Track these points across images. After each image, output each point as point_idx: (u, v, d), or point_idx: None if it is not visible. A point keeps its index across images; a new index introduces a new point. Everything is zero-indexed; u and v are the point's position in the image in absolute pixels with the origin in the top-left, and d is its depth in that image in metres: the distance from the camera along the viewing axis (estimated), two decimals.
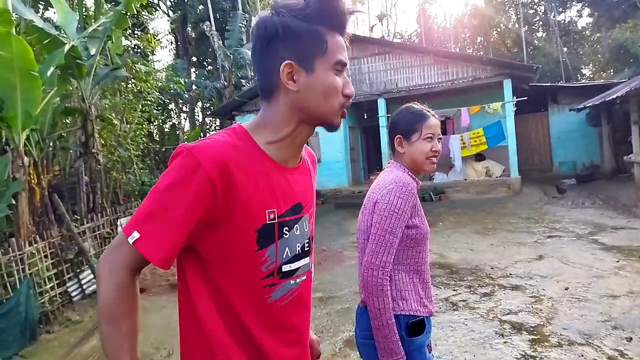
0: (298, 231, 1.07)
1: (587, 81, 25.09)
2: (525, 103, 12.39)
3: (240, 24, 19.05)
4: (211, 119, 21.08)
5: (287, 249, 1.03)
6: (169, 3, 24.93)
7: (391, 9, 44.81)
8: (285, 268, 1.04)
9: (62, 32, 7.74)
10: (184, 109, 22.40)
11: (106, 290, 0.91)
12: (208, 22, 19.06)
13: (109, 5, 11.01)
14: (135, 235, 0.88)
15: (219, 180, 0.89)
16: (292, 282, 1.06)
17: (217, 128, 21.34)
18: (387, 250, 1.58)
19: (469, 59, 13.61)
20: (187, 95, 19.79)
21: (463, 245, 7.40)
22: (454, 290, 5.21)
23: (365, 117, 14.46)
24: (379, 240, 1.59)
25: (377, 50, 13.74)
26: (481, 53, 31.44)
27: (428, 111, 1.78)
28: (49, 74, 6.08)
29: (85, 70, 7.71)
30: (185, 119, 22.88)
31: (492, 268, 5.96)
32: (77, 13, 9.76)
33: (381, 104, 13.58)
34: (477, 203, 11.35)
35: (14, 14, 7.47)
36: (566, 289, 4.88)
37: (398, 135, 1.77)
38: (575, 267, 5.69)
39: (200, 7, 22.41)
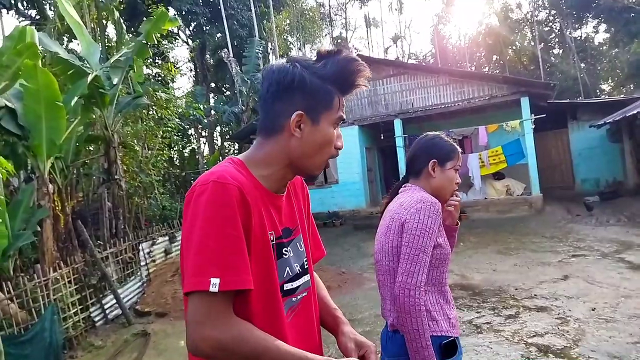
0: (293, 252, 1.14)
1: (606, 97, 24.77)
2: (544, 120, 12.26)
3: (256, 50, 19.47)
4: (229, 142, 21.37)
5: (287, 268, 1.10)
6: (188, 32, 25.66)
7: (405, 31, 45.24)
8: (287, 286, 1.10)
9: (86, 62, 8.03)
10: (203, 133, 22.80)
11: (241, 351, 0.91)
12: (226, 49, 19.52)
13: (130, 36, 11.38)
14: (215, 282, 0.88)
15: (243, 198, 0.96)
16: (293, 299, 1.13)
17: (235, 152, 21.60)
18: (422, 269, 1.57)
19: (485, 78, 13.61)
20: (206, 121, 20.17)
21: (485, 266, 7.27)
22: (477, 312, 5.11)
23: (382, 137, 14.47)
24: (413, 259, 1.58)
25: (392, 72, 13.84)
26: (497, 71, 31.40)
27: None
28: (72, 103, 6.29)
29: (108, 99, 7.95)
30: (204, 144, 23.26)
31: (517, 289, 5.83)
32: (100, 44, 10.14)
33: (397, 124, 13.61)
34: (499, 222, 11.17)
35: (40, 46, 7.80)
36: (593, 310, 4.74)
37: (433, 160, 1.79)
38: (602, 286, 5.53)
39: (219, 35, 23.00)
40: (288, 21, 25.16)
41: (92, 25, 11.96)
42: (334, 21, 39.15)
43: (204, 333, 0.89)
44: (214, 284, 0.88)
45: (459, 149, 1.84)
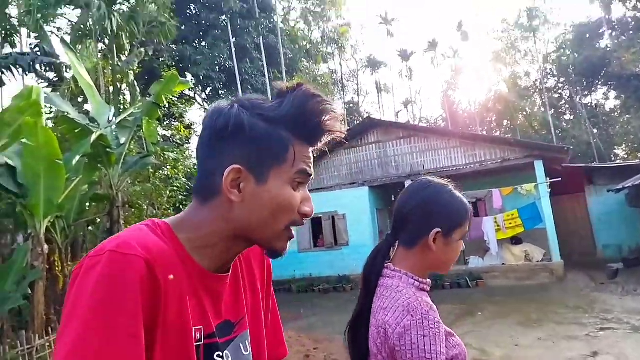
0: (232, 357, 0.82)
1: (621, 161, 24.49)
2: (560, 184, 11.94)
3: None
4: None
5: None
6: (204, 96, 26.48)
7: (415, 96, 46.32)
8: None
9: (94, 123, 8.07)
10: None
11: None
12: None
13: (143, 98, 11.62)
14: None
15: (152, 277, 0.68)
16: None
17: None
18: None
19: (497, 141, 13.50)
20: None
21: (506, 340, 6.68)
22: None
23: (393, 199, 14.22)
24: None
25: (402, 134, 13.82)
26: (509, 135, 31.54)
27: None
28: (74, 162, 6.18)
29: (114, 158, 7.89)
30: None
31: None
32: (112, 106, 10.30)
33: None
34: (518, 290, 10.54)
35: (50, 106, 7.88)
36: None
37: (437, 230, 1.23)
38: None
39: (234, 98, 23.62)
40: None
41: (107, 88, 12.29)
42: (346, 87, 40.31)
43: None
44: None
45: (471, 208, 1.31)
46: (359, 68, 42.44)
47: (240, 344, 0.84)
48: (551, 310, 8.29)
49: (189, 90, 24.67)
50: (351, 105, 39.58)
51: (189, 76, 24.13)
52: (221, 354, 0.78)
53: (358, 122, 24.92)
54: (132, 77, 12.07)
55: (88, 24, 12.15)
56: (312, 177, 0.82)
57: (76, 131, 7.31)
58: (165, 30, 14.51)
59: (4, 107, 7.42)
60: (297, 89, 0.79)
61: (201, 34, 25.27)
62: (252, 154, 0.77)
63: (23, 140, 5.21)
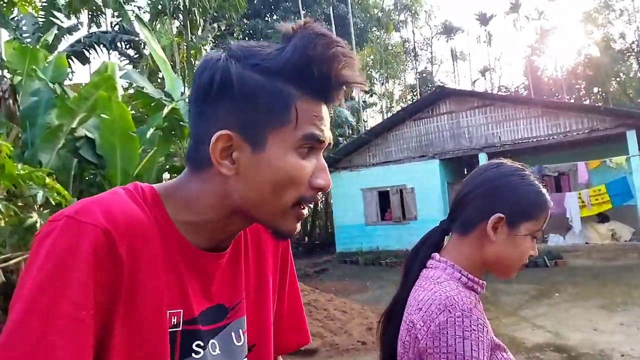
0: (218, 348, 0.70)
1: None
2: None
3: None
4: None
5: None
6: None
7: (495, 63, 43.68)
8: None
9: (170, 97, 8.41)
10: None
11: None
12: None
13: None
14: None
15: (111, 249, 0.58)
16: None
17: None
18: None
19: (584, 109, 12.37)
20: None
21: (585, 323, 6.22)
22: None
23: (466, 172, 13.63)
24: None
25: (476, 104, 13.09)
26: (600, 104, 28.95)
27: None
28: (148, 134, 6.48)
29: (187, 131, 8.20)
30: None
31: (623, 355, 4.86)
32: (187, 79, 10.67)
33: (482, 159, 12.71)
34: (602, 271, 9.76)
35: (127, 81, 8.30)
36: None
37: (499, 215, 1.00)
38: None
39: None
40: (372, 56, 25.31)
41: (182, 63, 12.75)
42: (419, 56, 38.88)
43: None
44: None
45: (550, 202, 1.05)
46: (433, 35, 40.65)
47: (233, 333, 0.73)
48: (639, 294, 7.60)
49: None
50: (424, 74, 38.17)
51: None
52: (202, 344, 0.67)
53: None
54: (204, 53, 12.40)
55: (162, 1, 12.58)
56: (326, 142, 0.66)
57: (152, 105, 7.66)
58: (235, 4, 14.69)
59: None
60: (302, 29, 0.63)
61: (272, 7, 25.41)
62: (244, 116, 0.63)
63: (101, 115, 5.54)
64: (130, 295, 0.59)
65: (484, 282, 1.04)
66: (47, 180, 3.35)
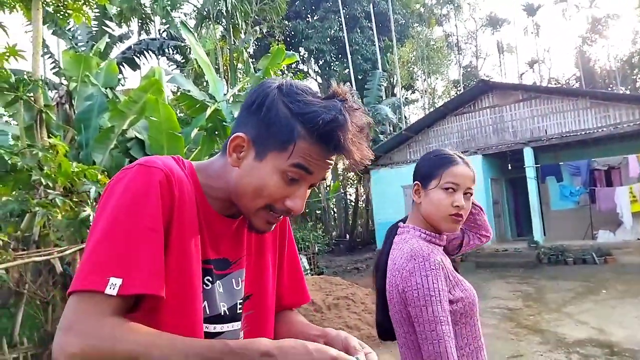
0: (222, 288, 0.90)
1: None
2: None
3: (379, 83, 19.63)
4: (350, 174, 21.61)
5: (205, 302, 0.86)
6: (316, 68, 27.03)
7: (543, 54, 42.02)
8: (204, 328, 0.85)
9: (213, 99, 8.77)
10: None
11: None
12: (349, 83, 20.03)
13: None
14: (115, 282, 0.69)
15: (170, 188, 0.80)
16: None
17: (353, 179, 21.76)
18: (449, 344, 1.23)
19: (635, 100, 11.78)
20: None
21: (632, 320, 6.01)
22: None
23: (510, 167, 13.30)
24: (433, 337, 1.24)
25: (521, 97, 12.75)
26: None
27: (460, 157, 1.42)
28: (193, 135, 6.81)
29: (229, 130, 8.52)
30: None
31: None
32: (230, 82, 11.05)
33: (528, 153, 12.39)
34: None
35: (174, 85, 8.71)
36: None
37: (416, 182, 1.44)
38: None
39: (346, 71, 23.75)
40: (414, 52, 25.02)
41: (225, 67, 13.19)
42: (463, 50, 37.97)
43: (67, 340, 0.67)
44: (113, 285, 0.69)
45: (456, 160, 1.40)
46: (477, 28, 39.54)
47: (233, 279, 0.93)
48: None
49: (302, 63, 25.43)
50: (469, 69, 37.27)
51: (302, 50, 24.81)
52: (211, 280, 0.87)
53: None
54: (246, 55, 12.78)
55: (206, 7, 13.06)
56: (314, 177, 0.84)
57: (196, 107, 8.02)
58: (276, 6, 15.03)
59: None
60: (338, 98, 0.81)
61: (312, 7, 25.61)
62: (261, 132, 0.83)
63: (149, 117, 5.90)
64: (179, 225, 0.81)
65: (444, 236, 1.45)
66: (100, 176, 3.67)
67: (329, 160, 0.84)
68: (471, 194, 1.40)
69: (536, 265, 11.01)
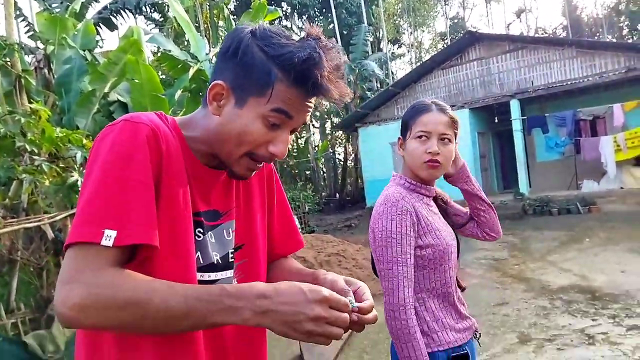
0: (214, 238, 0.92)
1: None
2: None
3: (364, 38, 19.21)
4: (338, 131, 21.54)
5: (199, 253, 0.88)
6: (299, 24, 26.31)
7: (531, 4, 41.33)
8: (198, 276, 0.88)
9: (195, 59, 8.54)
10: (315, 124, 23.27)
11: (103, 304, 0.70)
12: (333, 38, 19.53)
13: None
14: (110, 234, 0.71)
15: (157, 142, 0.81)
16: None
17: (341, 138, 21.73)
18: (401, 283, 1.34)
19: (621, 47, 11.76)
20: (317, 112, 20.52)
21: (613, 267, 6.24)
22: (592, 320, 4.36)
23: (497, 121, 13.36)
24: (388, 275, 1.35)
25: (507, 48, 12.64)
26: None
27: (436, 104, 1.46)
28: (176, 96, 6.67)
29: None
30: (314, 134, 23.72)
31: None
32: (212, 40, 10.73)
33: (514, 105, 12.42)
34: (637, 216, 9.57)
35: (154, 45, 8.44)
36: None
37: (399, 137, 1.54)
38: None
39: (331, 26, 23.16)
40: (400, 4, 24.44)
41: (205, 24, 12.77)
42: (450, 0, 37.15)
43: (68, 293, 0.69)
44: (108, 236, 0.71)
45: (426, 107, 1.45)
46: None
47: (224, 230, 0.95)
48: None
49: (285, 19, 24.69)
50: (456, 20, 36.58)
51: (285, 5, 24.03)
52: (202, 231, 0.89)
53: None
54: (227, 12, 12.34)
55: None
56: (295, 121, 0.84)
57: (178, 67, 7.81)
58: None
59: None
60: (312, 38, 0.81)
61: None
62: (239, 78, 0.82)
63: (133, 79, 5.74)
64: (168, 179, 0.82)
65: (432, 188, 1.51)
66: (85, 141, 3.61)
67: (308, 103, 0.84)
68: (449, 140, 1.43)
69: (522, 216, 11.26)
